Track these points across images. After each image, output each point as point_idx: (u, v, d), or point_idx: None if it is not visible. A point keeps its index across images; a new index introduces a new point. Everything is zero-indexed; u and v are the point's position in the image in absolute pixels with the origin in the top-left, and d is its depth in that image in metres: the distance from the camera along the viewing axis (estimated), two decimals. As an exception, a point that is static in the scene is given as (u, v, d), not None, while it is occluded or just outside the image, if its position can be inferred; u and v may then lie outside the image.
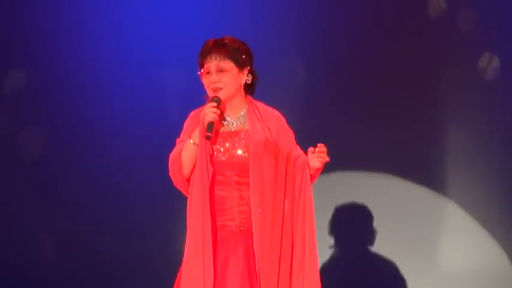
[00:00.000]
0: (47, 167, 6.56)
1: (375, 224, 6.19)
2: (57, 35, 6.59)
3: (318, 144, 4.16)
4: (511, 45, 6.22)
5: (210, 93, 4.22)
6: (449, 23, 6.26)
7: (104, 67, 6.53)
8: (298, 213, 4.23)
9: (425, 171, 6.24)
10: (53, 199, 6.53)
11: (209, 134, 4.11)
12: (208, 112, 4.14)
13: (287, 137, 4.28)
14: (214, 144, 4.22)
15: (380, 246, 6.20)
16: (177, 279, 4.23)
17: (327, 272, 6.03)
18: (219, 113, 4.18)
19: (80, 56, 6.54)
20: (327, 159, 4.16)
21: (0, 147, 6.62)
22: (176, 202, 4.54)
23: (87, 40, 6.55)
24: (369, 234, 6.19)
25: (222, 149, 4.25)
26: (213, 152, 4.23)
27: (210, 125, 4.12)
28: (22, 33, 6.61)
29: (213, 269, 4.13)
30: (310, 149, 4.17)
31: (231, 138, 4.25)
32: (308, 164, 4.20)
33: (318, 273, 4.23)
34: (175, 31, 6.40)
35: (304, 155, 4.23)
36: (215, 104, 4.16)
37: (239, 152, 4.23)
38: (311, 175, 4.22)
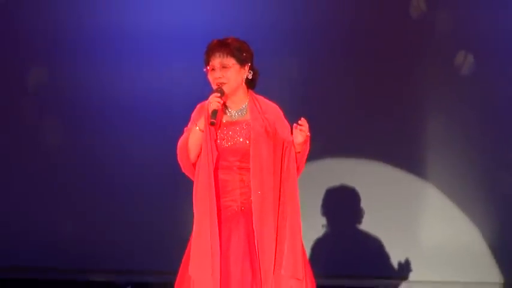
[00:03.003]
0: (72, 152, 6.51)
1: (362, 205, 6.20)
2: (75, 36, 6.51)
3: (300, 119, 4.13)
4: (485, 44, 6.21)
5: (215, 87, 4.17)
6: (428, 23, 6.25)
7: (117, 66, 6.48)
8: (285, 189, 4.18)
9: (407, 158, 6.26)
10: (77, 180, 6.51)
11: (213, 120, 4.08)
12: (213, 101, 4.11)
13: (284, 127, 4.21)
14: (218, 129, 4.18)
15: (367, 225, 6.23)
16: (186, 254, 4.19)
17: (320, 247, 6.15)
18: (222, 102, 4.14)
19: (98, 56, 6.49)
20: (308, 133, 4.11)
21: (26, 136, 6.54)
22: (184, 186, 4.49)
23: (100, 41, 6.48)
24: (357, 214, 6.20)
25: (225, 137, 4.17)
26: (217, 139, 4.17)
27: (214, 112, 4.08)
28: (44, 34, 6.54)
29: (219, 245, 4.10)
30: (294, 125, 4.14)
31: (234, 128, 4.18)
32: (293, 145, 4.15)
33: (300, 243, 4.17)
34: (180, 30, 6.37)
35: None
36: (219, 94, 4.13)
37: (241, 140, 4.17)
38: (298, 153, 4.16)
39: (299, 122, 4.10)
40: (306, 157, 4.20)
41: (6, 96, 6.62)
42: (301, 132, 4.08)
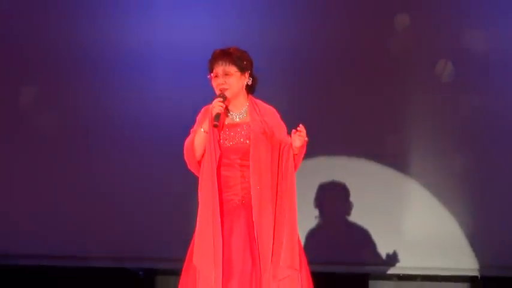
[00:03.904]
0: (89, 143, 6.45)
1: (351, 199, 6.20)
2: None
3: (299, 125, 4.18)
4: (463, 53, 6.19)
5: (218, 93, 4.24)
6: (412, 33, 6.24)
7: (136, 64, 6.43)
8: (283, 186, 4.22)
9: (392, 156, 6.24)
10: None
11: (216, 123, 4.16)
12: (216, 105, 4.17)
13: (281, 128, 4.27)
14: (221, 131, 4.23)
15: (356, 217, 6.21)
16: (192, 243, 4.24)
17: (313, 236, 6.11)
18: (225, 106, 4.20)
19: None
20: (306, 138, 4.16)
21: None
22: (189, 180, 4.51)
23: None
24: (347, 207, 6.19)
25: (228, 137, 4.25)
26: (220, 139, 4.24)
27: (217, 116, 4.16)
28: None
29: (221, 235, 4.16)
30: (293, 130, 4.18)
31: (235, 129, 4.26)
32: (291, 146, 4.19)
33: (297, 236, 4.22)
34: (183, 38, 6.34)
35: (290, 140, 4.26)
36: (221, 99, 4.19)
37: (242, 140, 4.24)
38: (295, 154, 4.21)
39: (298, 128, 4.15)
40: (302, 157, 4.25)
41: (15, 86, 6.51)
42: (299, 137, 4.14)
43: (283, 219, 4.18)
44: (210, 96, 4.24)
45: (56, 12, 6.49)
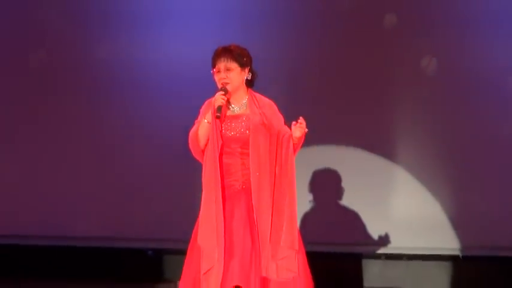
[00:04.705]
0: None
1: (343, 184, 6.25)
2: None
3: (299, 118, 4.24)
4: (447, 49, 6.20)
5: (220, 86, 4.30)
6: (399, 32, 6.25)
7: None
8: (283, 173, 4.25)
9: (380, 144, 6.26)
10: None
11: (218, 114, 4.20)
12: (218, 98, 4.23)
13: (277, 120, 4.33)
14: (223, 122, 4.28)
15: (346, 200, 6.25)
16: (196, 225, 4.30)
17: (307, 219, 6.14)
18: (226, 99, 4.26)
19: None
20: (306, 129, 4.22)
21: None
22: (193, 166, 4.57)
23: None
24: (338, 191, 6.24)
25: (229, 128, 4.30)
26: (222, 130, 4.29)
27: (219, 108, 4.21)
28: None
29: (223, 218, 4.22)
30: (293, 122, 4.24)
31: (236, 120, 4.31)
32: (291, 136, 4.24)
33: (296, 219, 4.26)
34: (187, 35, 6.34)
35: (290, 131, 4.28)
36: (223, 92, 4.25)
37: (242, 130, 4.29)
38: (294, 144, 4.26)
39: (299, 121, 4.21)
40: (300, 146, 4.30)
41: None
42: (300, 128, 4.20)
43: (280, 203, 4.22)
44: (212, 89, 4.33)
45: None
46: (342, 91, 6.27)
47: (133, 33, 6.38)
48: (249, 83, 4.36)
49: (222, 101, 4.21)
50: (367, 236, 6.21)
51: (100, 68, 6.42)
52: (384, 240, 6.15)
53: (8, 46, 6.51)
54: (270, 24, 6.29)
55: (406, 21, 6.21)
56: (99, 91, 6.44)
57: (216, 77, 4.30)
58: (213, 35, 6.01)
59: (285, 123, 4.34)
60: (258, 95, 4.38)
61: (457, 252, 6.21)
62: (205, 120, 4.27)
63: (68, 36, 6.46)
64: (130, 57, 6.37)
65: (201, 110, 4.37)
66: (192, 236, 4.29)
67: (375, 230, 6.20)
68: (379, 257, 6.28)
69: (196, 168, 4.40)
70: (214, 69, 4.30)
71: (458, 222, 6.17)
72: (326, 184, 6.25)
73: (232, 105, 4.33)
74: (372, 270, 6.28)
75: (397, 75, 6.24)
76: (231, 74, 4.27)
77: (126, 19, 6.41)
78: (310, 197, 6.16)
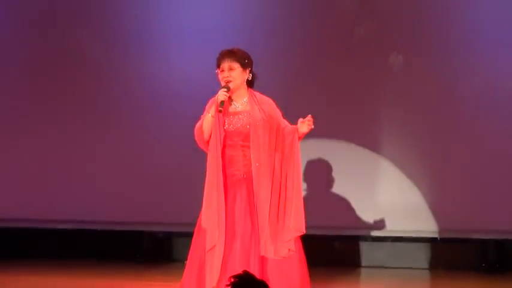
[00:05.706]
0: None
1: (334, 174, 6.33)
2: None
3: (308, 116, 4.31)
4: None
5: (223, 84, 4.39)
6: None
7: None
8: (290, 164, 4.30)
9: (366, 137, 6.33)
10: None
11: (221, 108, 4.27)
12: (221, 94, 4.30)
13: (276, 115, 4.42)
14: (225, 116, 4.34)
15: (337, 189, 6.33)
16: (202, 210, 4.36)
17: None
18: (228, 95, 4.33)
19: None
20: (312, 126, 4.30)
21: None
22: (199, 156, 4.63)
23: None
24: (329, 180, 6.33)
25: (232, 123, 4.39)
26: (225, 124, 4.36)
27: (222, 103, 4.28)
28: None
29: (224, 201, 4.29)
30: (300, 119, 4.32)
31: (237, 116, 4.40)
32: (297, 130, 4.32)
33: (303, 205, 4.33)
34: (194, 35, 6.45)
35: (291, 125, 4.37)
36: (226, 89, 4.33)
37: (243, 125, 4.37)
38: (299, 137, 4.35)
39: (307, 118, 4.29)
40: (300, 140, 4.40)
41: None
42: (308, 125, 4.28)
43: (283, 190, 4.27)
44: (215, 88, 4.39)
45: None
46: (333, 92, 6.32)
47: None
48: (250, 83, 4.44)
49: (225, 96, 4.29)
50: (356, 220, 6.28)
51: (128, 64, 6.54)
52: (371, 224, 6.26)
53: (41, 33, 6.58)
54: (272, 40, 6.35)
55: (394, 25, 6.28)
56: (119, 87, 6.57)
57: (220, 76, 4.38)
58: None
59: (291, 122, 4.43)
60: (257, 93, 4.46)
61: (435, 235, 6.29)
62: (209, 114, 4.34)
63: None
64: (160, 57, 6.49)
65: (206, 107, 4.45)
66: (198, 219, 4.37)
67: (362, 215, 6.28)
68: (366, 239, 6.40)
69: (202, 159, 4.44)
70: (219, 69, 4.38)
71: (436, 208, 6.24)
72: (319, 173, 6.31)
73: (234, 103, 4.40)
74: (360, 251, 6.39)
75: (382, 75, 6.29)
76: (234, 73, 4.35)
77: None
78: (304, 185, 6.14)
